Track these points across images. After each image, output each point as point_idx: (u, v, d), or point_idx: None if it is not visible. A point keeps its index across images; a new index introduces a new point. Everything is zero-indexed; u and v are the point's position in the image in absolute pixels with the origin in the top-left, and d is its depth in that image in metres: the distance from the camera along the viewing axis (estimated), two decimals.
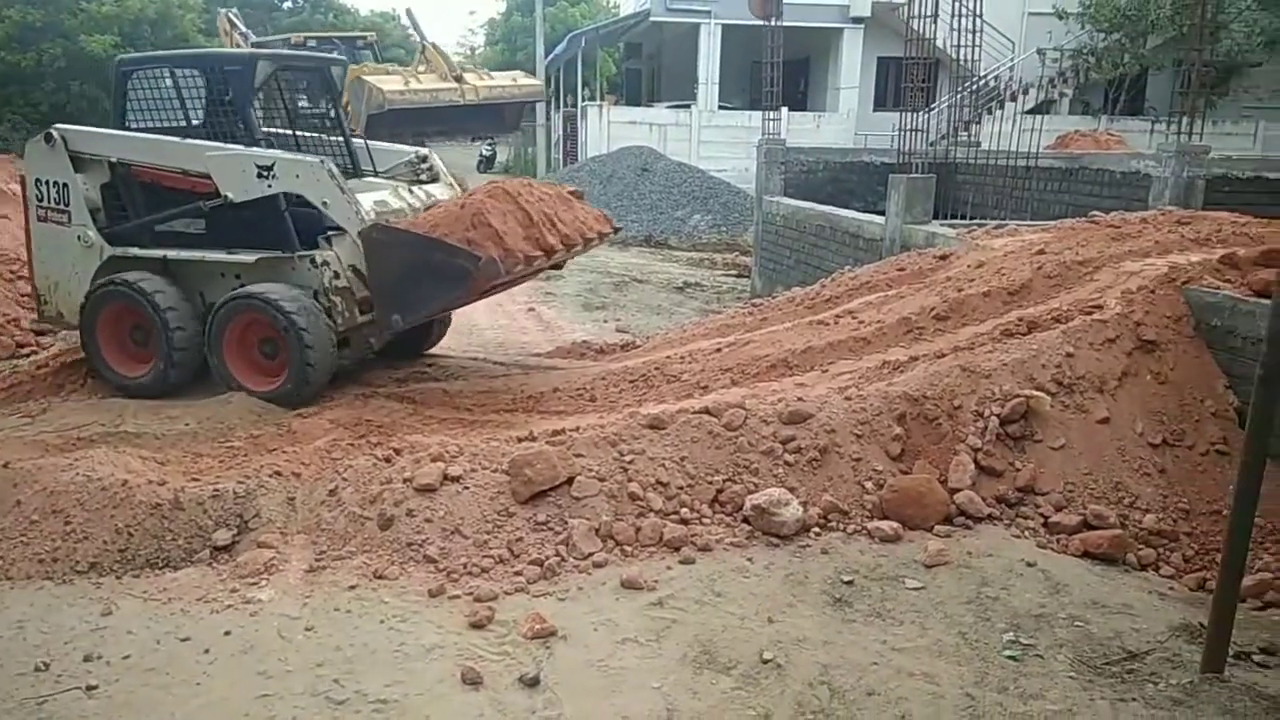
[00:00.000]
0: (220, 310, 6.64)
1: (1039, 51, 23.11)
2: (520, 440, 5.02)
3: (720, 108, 26.80)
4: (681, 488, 4.64)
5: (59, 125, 7.32)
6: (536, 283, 12.84)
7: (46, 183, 7.18)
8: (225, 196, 6.67)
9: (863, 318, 6.87)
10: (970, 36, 15.36)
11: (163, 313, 6.76)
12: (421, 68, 15.23)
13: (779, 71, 14.69)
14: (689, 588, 4.00)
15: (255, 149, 6.91)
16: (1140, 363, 5.10)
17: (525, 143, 32.68)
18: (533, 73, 24.56)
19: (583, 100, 28.39)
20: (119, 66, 7.48)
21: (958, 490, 4.68)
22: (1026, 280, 6.25)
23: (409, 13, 19.61)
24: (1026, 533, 4.52)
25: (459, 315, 10.37)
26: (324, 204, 6.59)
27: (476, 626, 3.73)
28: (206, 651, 3.65)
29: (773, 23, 14.65)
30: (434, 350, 8.44)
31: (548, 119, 31.08)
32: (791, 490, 4.62)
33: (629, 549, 4.30)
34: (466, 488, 4.52)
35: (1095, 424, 4.90)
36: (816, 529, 4.50)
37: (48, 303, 7.44)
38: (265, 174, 6.61)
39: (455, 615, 3.83)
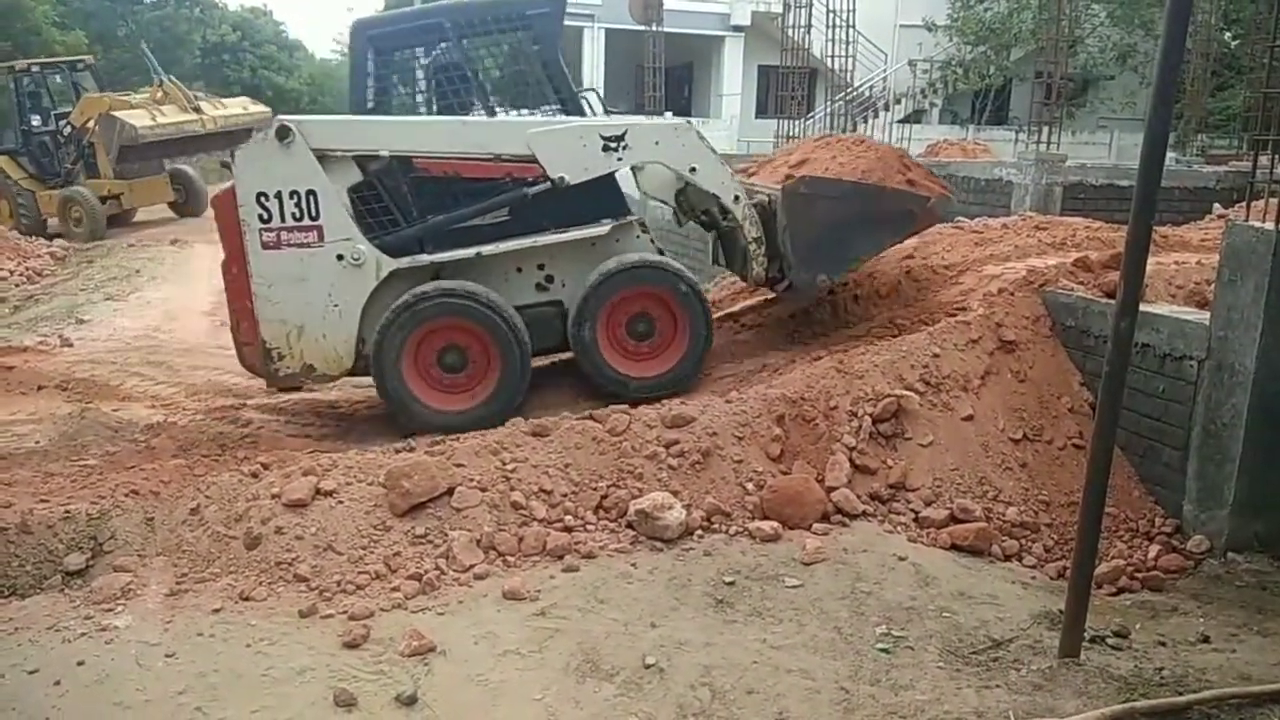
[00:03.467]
0: (595, 292, 5.72)
1: (910, 63, 24.04)
2: (398, 451, 4.89)
3: (607, 112, 26.85)
4: (565, 495, 4.60)
5: (288, 117, 5.67)
6: None
7: (278, 195, 5.43)
8: (558, 179, 5.64)
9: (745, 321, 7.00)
10: (845, 47, 15.89)
11: (513, 322, 5.63)
12: (160, 95, 16.34)
13: (661, 77, 14.85)
14: (572, 596, 3.97)
15: (595, 119, 6.00)
16: (1002, 362, 5.34)
17: None
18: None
19: None
20: (360, 29, 6.10)
21: (834, 489, 4.79)
22: (895, 284, 6.48)
23: (144, 49, 20.50)
24: (899, 528, 4.67)
25: None
26: (692, 170, 5.87)
27: (351, 646, 3.61)
28: (57, 684, 3.42)
29: (654, 28, 14.77)
30: None
31: None
32: (675, 494, 4.65)
33: (511, 559, 4.24)
34: (341, 502, 4.37)
35: (961, 421, 5.10)
36: (700, 531, 4.53)
37: (286, 356, 5.61)
38: (614, 146, 5.70)
39: (328, 635, 3.69)
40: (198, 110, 16.47)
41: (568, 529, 4.42)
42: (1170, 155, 11.72)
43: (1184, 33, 3.20)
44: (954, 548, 4.50)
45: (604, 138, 5.70)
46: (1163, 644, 3.71)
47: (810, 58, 16.18)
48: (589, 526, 4.48)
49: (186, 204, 17.58)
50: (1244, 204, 4.99)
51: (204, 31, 43.55)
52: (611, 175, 5.87)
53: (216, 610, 3.87)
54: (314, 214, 5.47)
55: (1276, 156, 4.33)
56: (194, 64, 45.09)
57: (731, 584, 4.10)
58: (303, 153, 5.45)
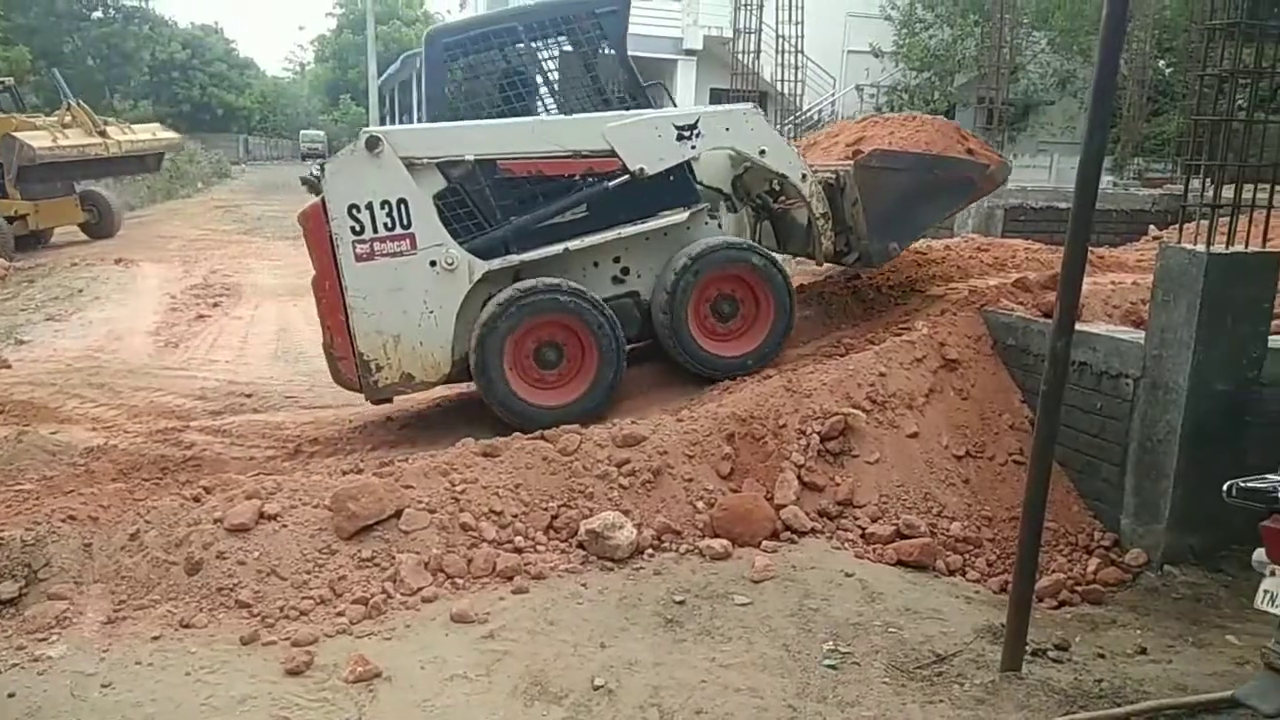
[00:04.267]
0: (689, 271, 5.82)
1: (857, 87, 24.48)
2: (345, 473, 4.83)
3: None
4: (516, 515, 4.58)
5: (375, 129, 5.68)
6: None
7: (370, 206, 5.46)
8: (637, 171, 5.74)
9: None
10: (794, 72, 16.13)
11: (609, 315, 5.72)
12: (68, 118, 16.88)
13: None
14: (522, 618, 3.95)
15: (668, 109, 6.10)
16: (945, 380, 5.44)
17: None
18: (362, 101, 23.97)
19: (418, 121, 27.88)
20: (436, 37, 6.16)
21: (783, 506, 4.83)
22: (843, 304, 6.57)
23: (55, 74, 20.91)
24: (846, 544, 4.72)
25: (285, 341, 9.96)
26: (761, 152, 6.01)
27: (294, 674, 3.54)
28: None
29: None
30: (253, 378, 8.03)
31: None
32: (626, 513, 4.65)
33: (460, 581, 4.20)
34: (285, 525, 4.30)
35: (906, 438, 5.18)
36: (650, 550, 4.54)
37: (384, 367, 5.61)
38: (688, 134, 5.84)
39: (270, 663, 3.62)
40: (103, 134, 17.08)
41: (518, 550, 4.40)
42: (1108, 179, 12.11)
43: (1116, 61, 3.32)
44: (900, 563, 4.56)
45: (678, 127, 5.84)
46: (1102, 656, 3.79)
47: (760, 81, 16.39)
48: (539, 547, 4.46)
49: (99, 225, 17.68)
50: (1177, 226, 5.16)
51: (153, 49, 42.94)
52: (683, 164, 5.99)
53: (155, 638, 3.78)
54: (405, 222, 5.52)
55: (1208, 181, 4.48)
56: (143, 81, 44.44)
57: (681, 603, 4.10)
58: (392, 162, 5.50)
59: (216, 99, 50.39)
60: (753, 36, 15.85)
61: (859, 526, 4.83)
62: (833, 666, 3.64)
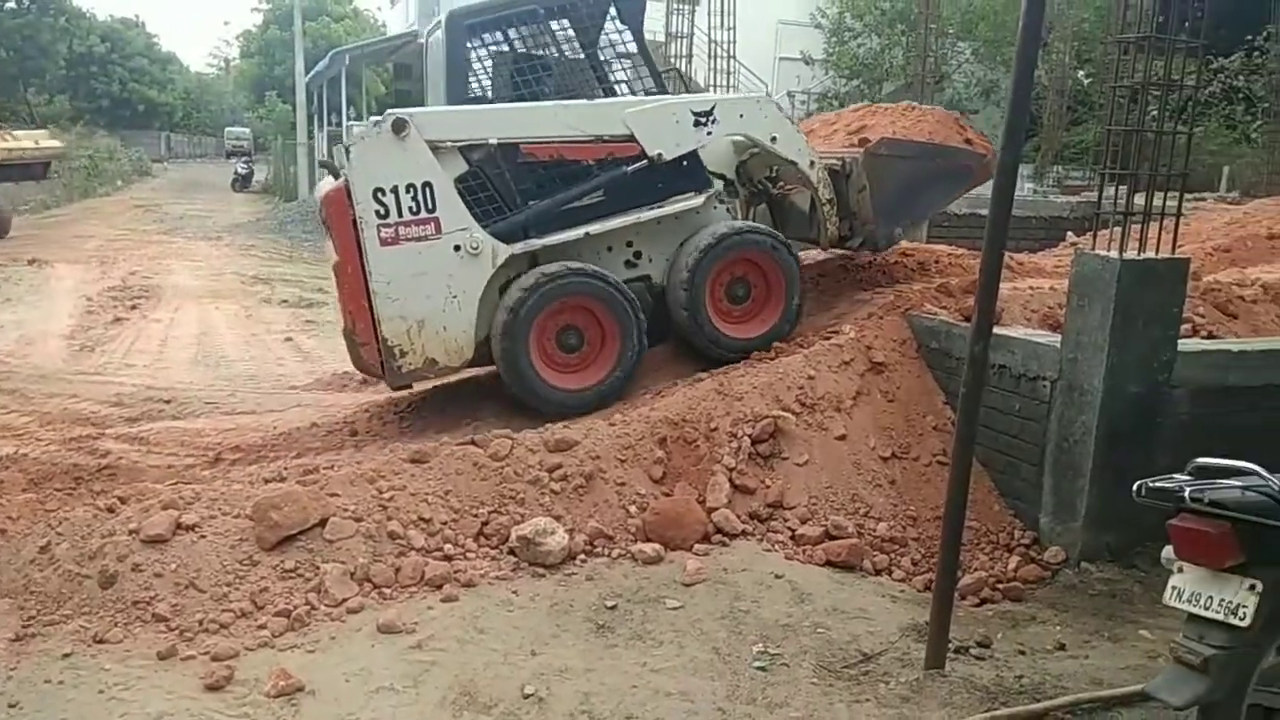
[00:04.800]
0: (708, 255, 5.90)
1: (789, 94, 24.82)
2: (268, 481, 4.71)
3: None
4: (445, 523, 4.52)
5: (400, 110, 5.54)
6: (296, 309, 12.23)
7: (395, 190, 5.38)
8: (655, 156, 5.80)
9: None
10: (726, 77, 16.27)
11: (631, 298, 5.75)
12: None
13: None
14: (451, 627, 3.89)
15: (685, 96, 6.27)
16: (872, 383, 5.54)
17: (287, 162, 31.07)
18: (289, 98, 23.52)
19: (348, 119, 27.38)
20: (458, 20, 6.16)
21: (715, 509, 4.85)
22: None
23: None
24: (776, 546, 4.76)
25: (206, 345, 9.69)
26: (773, 139, 6.09)
27: (213, 689, 3.43)
28: None
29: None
30: (172, 384, 7.79)
31: (310, 137, 29.70)
32: (558, 518, 4.63)
33: (388, 591, 4.13)
34: (204, 536, 4.17)
35: (834, 440, 5.25)
36: (582, 556, 4.52)
37: (408, 352, 5.54)
38: (704, 120, 5.90)
39: (189, 678, 3.50)
40: None
41: (447, 558, 4.34)
42: (1028, 186, 12.47)
43: (1030, 76, 3.41)
44: (828, 564, 4.62)
45: (695, 113, 5.94)
46: (1022, 652, 3.89)
47: (694, 86, 16.51)
48: (469, 554, 4.40)
49: None
50: (1092, 233, 5.33)
51: (70, 42, 41.35)
52: (695, 150, 6.05)
53: (67, 655, 3.63)
54: (430, 206, 5.45)
55: (1121, 189, 4.64)
56: (59, 76, 42.81)
57: (613, 608, 4.10)
58: (418, 145, 5.42)
59: (137, 94, 48.82)
60: (685, 41, 15.95)
61: (789, 528, 4.88)
62: (762, 668, 3.67)
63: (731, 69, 15.96)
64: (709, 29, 15.95)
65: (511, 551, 4.44)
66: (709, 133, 5.99)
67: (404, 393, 6.70)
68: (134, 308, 11.60)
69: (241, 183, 34.18)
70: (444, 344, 5.61)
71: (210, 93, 61.02)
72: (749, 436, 5.17)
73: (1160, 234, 4.55)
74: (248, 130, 49.83)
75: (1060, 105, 20.04)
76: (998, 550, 4.83)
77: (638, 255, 6.18)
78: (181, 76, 56.81)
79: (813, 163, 6.29)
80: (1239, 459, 2.71)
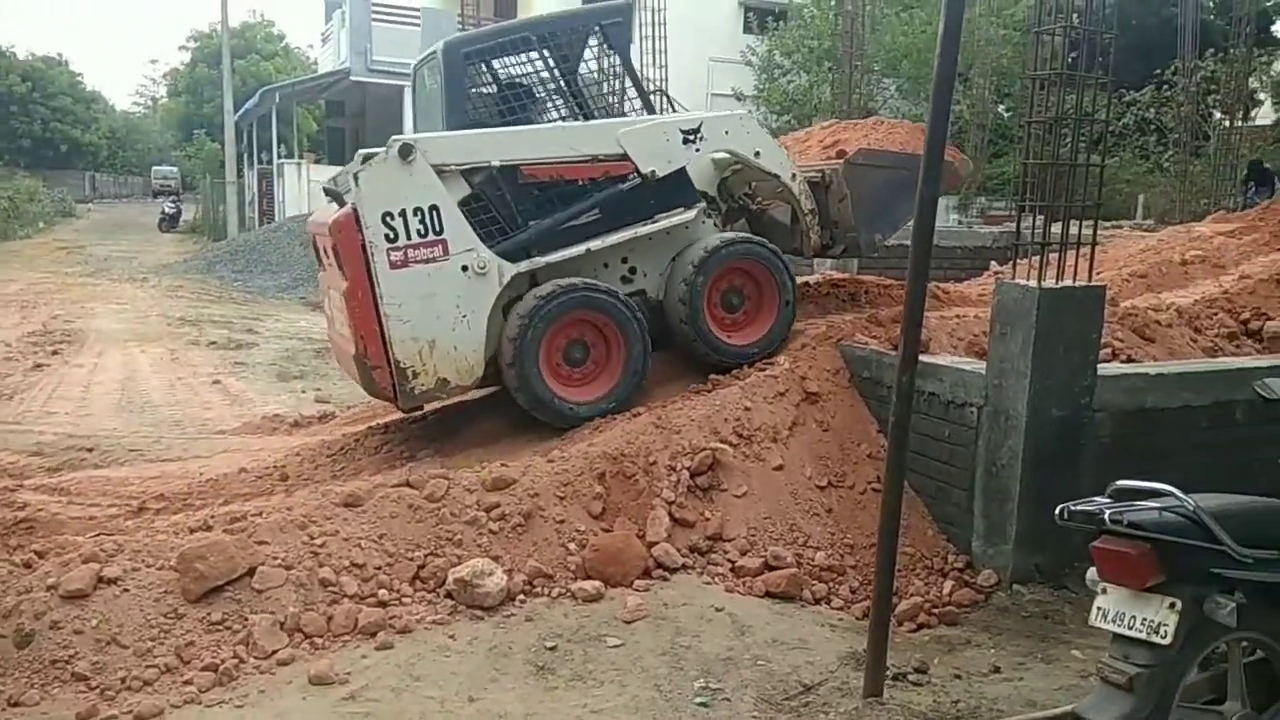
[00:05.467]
0: (705, 267, 6.07)
1: None
2: (193, 530, 4.57)
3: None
4: (379, 568, 4.43)
5: (406, 136, 5.72)
6: (225, 351, 11.96)
7: (403, 214, 5.48)
8: (649, 173, 6.01)
9: None
10: (660, 112, 16.48)
11: (636, 313, 5.90)
12: None
13: None
14: (386, 675, 3.80)
15: (673, 115, 6.47)
16: (807, 413, 5.60)
17: (215, 201, 30.54)
18: (218, 136, 23.25)
19: (278, 158, 27.07)
20: (455, 49, 6.34)
21: (655, 543, 4.84)
22: None
23: None
24: (716, 578, 4.76)
25: (130, 390, 9.41)
26: (756, 153, 6.35)
27: None
28: None
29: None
30: (94, 431, 7.54)
31: (239, 176, 29.24)
32: (496, 559, 4.56)
33: (320, 641, 4.02)
34: (126, 590, 4.03)
35: (772, 471, 5.29)
36: (522, 596, 4.46)
37: (420, 373, 5.61)
38: (692, 138, 6.18)
39: None
40: None
41: (382, 603, 4.24)
42: (953, 217, 12.83)
43: (946, 113, 3.52)
44: (768, 594, 4.63)
45: (683, 131, 6.22)
46: (958, 677, 3.93)
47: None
48: (405, 599, 4.32)
49: None
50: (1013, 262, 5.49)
51: None
52: (685, 166, 6.26)
53: None
54: (438, 229, 5.58)
55: (1039, 219, 4.79)
56: None
57: (553, 649, 4.04)
58: (424, 169, 5.56)
59: (60, 134, 47.61)
60: (618, 79, 16.13)
61: (729, 560, 4.88)
62: (704, 704, 3.65)
63: (664, 105, 16.15)
64: (641, 66, 16.15)
65: (449, 594, 4.36)
66: (697, 150, 6.26)
67: (337, 435, 6.59)
68: (55, 353, 11.23)
69: (169, 222, 33.50)
70: (455, 363, 5.70)
71: (137, 132, 59.78)
72: (688, 469, 5.18)
73: (1078, 262, 4.71)
74: (175, 169, 48.87)
75: (982, 138, 20.69)
76: (932, 575, 4.90)
77: (633, 270, 6.36)
78: (106, 115, 55.57)
79: (794, 175, 6.57)
80: (1158, 479, 2.79)
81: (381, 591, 4.31)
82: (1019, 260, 4.99)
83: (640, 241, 6.21)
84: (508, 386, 5.88)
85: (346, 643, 4.02)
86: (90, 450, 7.05)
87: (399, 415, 7.11)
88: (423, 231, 5.54)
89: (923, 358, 5.14)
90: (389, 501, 4.71)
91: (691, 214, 6.27)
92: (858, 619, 4.51)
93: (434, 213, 5.56)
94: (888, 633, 3.65)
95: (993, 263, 10.18)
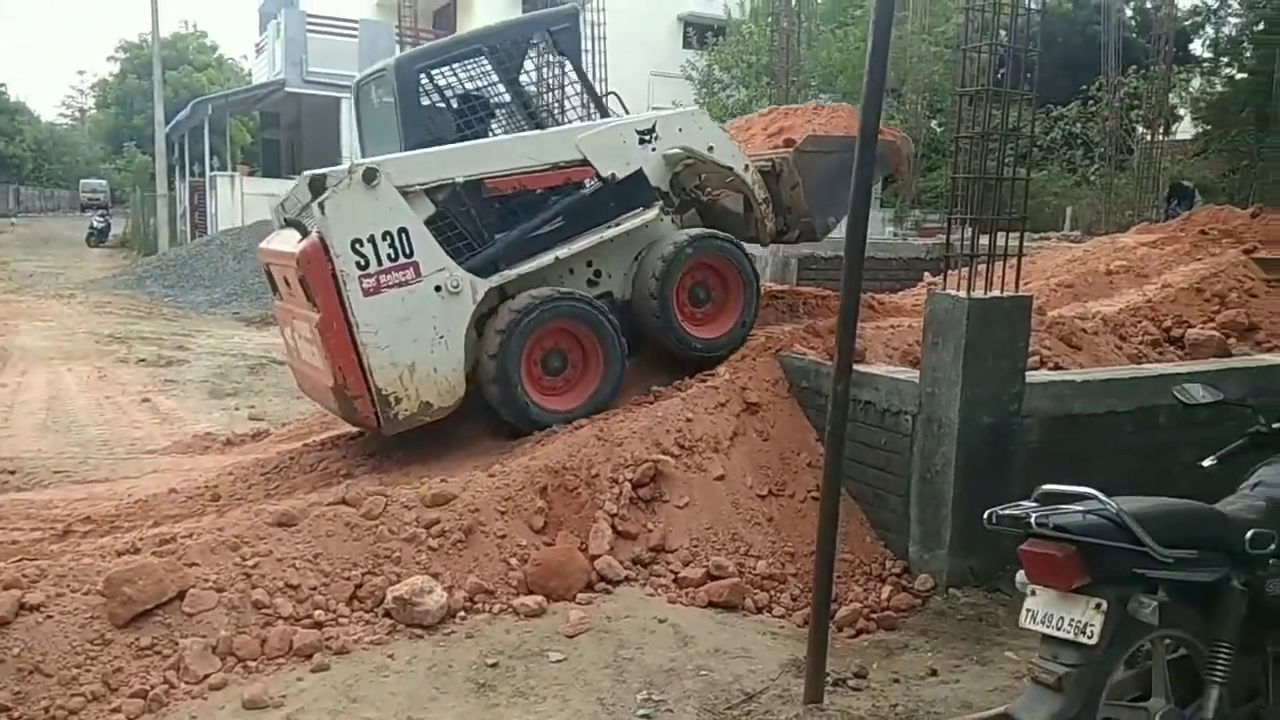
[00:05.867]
0: (674, 263, 6.12)
1: None
2: (121, 553, 4.43)
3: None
4: (315, 588, 4.34)
5: (366, 160, 5.59)
6: (155, 369, 11.66)
7: (372, 239, 5.38)
8: (609, 176, 6.07)
9: None
10: None
11: (613, 319, 5.96)
12: None
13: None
14: (322, 697, 3.73)
15: (624, 117, 6.49)
16: (747, 423, 5.65)
17: (146, 214, 29.79)
18: (148, 148, 22.73)
19: (211, 170, 26.52)
20: (408, 65, 6.30)
21: (598, 556, 4.83)
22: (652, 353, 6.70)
23: None
24: (659, 590, 4.76)
25: (56, 410, 9.12)
26: (710, 148, 6.40)
27: None
28: None
29: None
30: (17, 452, 7.28)
31: (170, 189, 28.57)
32: (436, 576, 4.51)
33: (253, 664, 3.92)
34: (50, 616, 3.88)
35: (713, 481, 5.32)
36: (462, 613, 4.40)
37: (403, 398, 5.54)
38: (648, 138, 6.23)
39: None
40: None
41: (318, 624, 4.16)
42: (888, 229, 13.09)
43: (876, 123, 3.60)
44: (711, 605, 4.64)
45: (639, 132, 6.29)
46: (897, 681, 3.99)
47: None
48: (342, 620, 4.24)
49: None
50: (944, 273, 5.61)
51: None
52: (642, 167, 6.30)
53: None
54: (408, 251, 5.52)
55: (967, 232, 4.91)
56: None
57: (495, 665, 4.00)
58: (389, 192, 5.48)
59: None
60: (553, 95, 16.15)
61: (672, 571, 4.89)
62: (647, 716, 3.64)
63: (612, 109, 16.24)
64: (580, 79, 16.19)
65: (387, 614, 4.29)
66: (653, 149, 6.32)
67: (271, 453, 6.46)
68: None
69: (98, 237, 32.60)
70: (436, 385, 5.67)
71: (64, 144, 58.05)
72: (630, 481, 5.19)
73: (1004, 273, 4.83)
74: (104, 182, 47.56)
75: (916, 153, 21.13)
76: (871, 581, 4.97)
77: (598, 273, 6.38)
78: (32, 127, 53.84)
79: (747, 166, 6.69)
80: (1085, 483, 2.87)
81: (317, 612, 4.22)
82: (950, 272, 5.10)
83: (604, 244, 6.23)
84: (490, 401, 5.83)
85: (281, 665, 3.94)
86: (13, 472, 6.80)
87: (335, 432, 7.00)
88: (393, 255, 5.48)
89: (859, 367, 5.24)
90: (325, 520, 4.63)
91: (652, 213, 6.32)
92: (799, 626, 4.55)
93: (403, 235, 5.50)
94: (826, 640, 3.70)
95: (926, 274, 10.39)
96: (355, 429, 6.87)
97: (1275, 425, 3.43)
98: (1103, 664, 2.71)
